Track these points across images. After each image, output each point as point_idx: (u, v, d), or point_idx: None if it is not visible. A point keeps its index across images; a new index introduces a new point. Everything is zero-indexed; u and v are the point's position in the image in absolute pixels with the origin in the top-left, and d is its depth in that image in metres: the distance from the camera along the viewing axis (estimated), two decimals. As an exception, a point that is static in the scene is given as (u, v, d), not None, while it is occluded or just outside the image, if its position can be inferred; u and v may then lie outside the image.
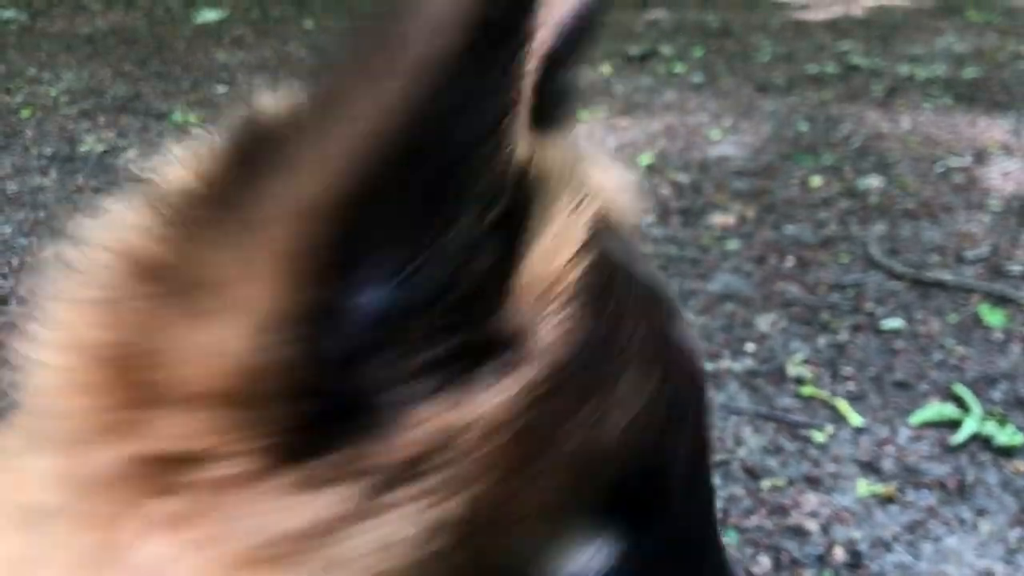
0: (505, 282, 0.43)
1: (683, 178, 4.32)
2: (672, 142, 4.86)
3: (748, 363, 2.77)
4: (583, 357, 0.45)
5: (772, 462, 2.33)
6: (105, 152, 4.55)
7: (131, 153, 4.54)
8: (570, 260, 0.46)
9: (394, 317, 0.40)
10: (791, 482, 2.26)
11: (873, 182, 4.26)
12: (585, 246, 0.47)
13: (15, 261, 3.41)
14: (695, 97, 5.71)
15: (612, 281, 0.49)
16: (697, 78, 6.12)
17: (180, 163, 0.45)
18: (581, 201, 0.48)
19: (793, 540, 2.07)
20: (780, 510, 2.16)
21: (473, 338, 0.42)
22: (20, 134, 4.77)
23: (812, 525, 2.12)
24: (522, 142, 0.42)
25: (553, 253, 0.45)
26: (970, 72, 6.35)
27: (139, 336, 0.40)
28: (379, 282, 0.39)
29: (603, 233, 0.50)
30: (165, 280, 0.40)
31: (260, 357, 0.38)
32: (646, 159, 4.53)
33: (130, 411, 0.40)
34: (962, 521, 2.14)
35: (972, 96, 5.82)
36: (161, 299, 0.40)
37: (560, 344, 0.45)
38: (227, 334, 0.38)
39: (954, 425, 2.45)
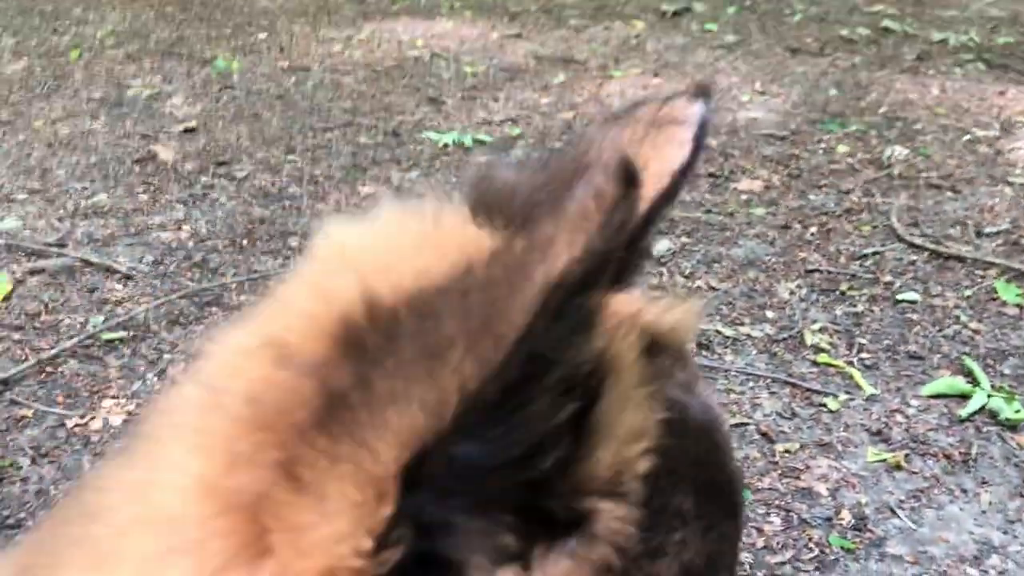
0: (574, 469, 0.50)
1: (712, 140, 4.40)
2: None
3: (768, 329, 2.91)
4: (643, 532, 0.53)
5: (786, 427, 2.48)
6: (151, 97, 4.68)
7: (177, 99, 4.66)
8: (636, 453, 0.53)
9: (478, 474, 0.47)
10: (803, 446, 2.41)
11: (898, 151, 4.32)
12: (652, 436, 0.53)
13: (69, 204, 3.56)
14: (727, 57, 5.75)
15: (671, 448, 0.54)
16: (729, 37, 6.14)
17: (296, 320, 0.53)
18: (652, 389, 0.55)
19: (803, 502, 2.22)
20: (792, 473, 2.31)
21: (544, 515, 0.50)
22: (69, 76, 4.89)
23: (822, 488, 2.27)
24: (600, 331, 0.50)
25: (621, 445, 0.52)
26: (1004, 38, 6.31)
27: (261, 501, 0.47)
28: (469, 441, 0.46)
29: (666, 388, 0.57)
30: (288, 451, 0.46)
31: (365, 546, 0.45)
32: (676, 121, 4.60)
33: (249, 550, 0.48)
34: (964, 491, 2.28)
35: (1004, 64, 5.81)
36: (282, 471, 0.47)
37: (623, 525, 0.52)
38: (336, 529, 0.45)
39: (963, 398, 2.58)
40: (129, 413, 2.41)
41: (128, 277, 3.05)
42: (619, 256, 0.46)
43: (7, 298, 2.88)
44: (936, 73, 5.62)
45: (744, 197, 3.82)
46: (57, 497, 2.09)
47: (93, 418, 2.38)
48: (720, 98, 5.01)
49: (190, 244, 3.28)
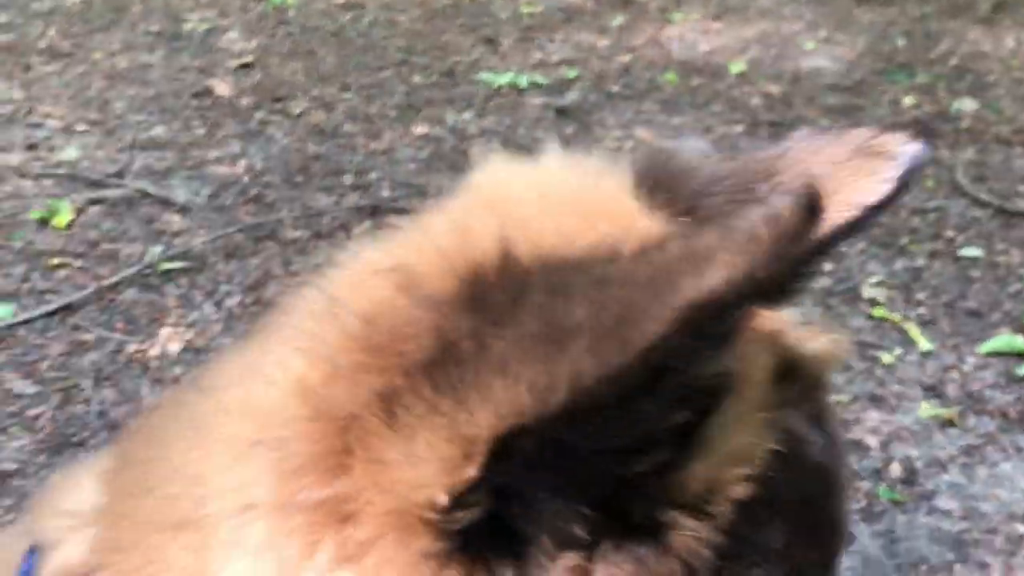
0: (667, 477, 0.49)
1: (774, 89, 4.30)
2: (765, 50, 4.80)
3: (825, 282, 2.86)
4: (719, 557, 0.51)
5: (839, 379, 2.45)
6: (208, 31, 4.69)
7: (233, 34, 4.66)
8: (736, 477, 0.51)
9: (570, 459, 0.46)
10: (856, 399, 2.38)
11: (967, 105, 4.19)
12: (758, 463, 0.51)
13: (128, 137, 3.60)
14: (791, 4, 5.59)
15: (776, 481, 0.52)
16: (795, -18, 5.97)
17: (429, 252, 0.52)
18: (766, 418, 0.52)
19: (853, 454, 2.20)
20: (843, 425, 2.29)
21: (622, 513, 0.49)
22: (127, 10, 4.92)
23: (872, 441, 2.24)
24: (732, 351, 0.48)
25: (722, 465, 0.50)
26: (1085, -11, 6.04)
27: (351, 420, 0.47)
28: (570, 429, 0.44)
29: (790, 417, 0.54)
30: (389, 383, 0.47)
31: (450, 490, 0.45)
32: (737, 67, 4.51)
33: (327, 461, 0.48)
34: (1019, 449, 2.24)
35: (1084, 16, 5.56)
36: (379, 400, 0.47)
37: (700, 547, 0.50)
38: (417, 476, 0.45)
39: (1022, 356, 2.53)
40: (187, 341, 2.46)
41: (185, 209, 3.09)
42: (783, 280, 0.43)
43: (69, 226, 2.94)
44: (1012, 24, 5.40)
45: (804, 147, 3.75)
46: (118, 419, 2.14)
47: (152, 345, 2.44)
48: (783, 46, 4.89)
49: (246, 179, 3.31)
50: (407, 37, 4.79)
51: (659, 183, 0.60)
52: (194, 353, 2.41)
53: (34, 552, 0.68)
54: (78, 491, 0.67)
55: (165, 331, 2.48)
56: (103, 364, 2.37)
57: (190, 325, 2.53)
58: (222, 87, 4.01)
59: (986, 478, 2.15)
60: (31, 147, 3.46)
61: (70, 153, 3.43)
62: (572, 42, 4.83)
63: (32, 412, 2.18)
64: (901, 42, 5.01)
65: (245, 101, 3.93)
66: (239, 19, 4.90)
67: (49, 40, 4.48)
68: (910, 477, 2.14)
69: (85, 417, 2.19)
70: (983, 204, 3.33)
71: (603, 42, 4.84)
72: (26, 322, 2.49)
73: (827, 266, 2.95)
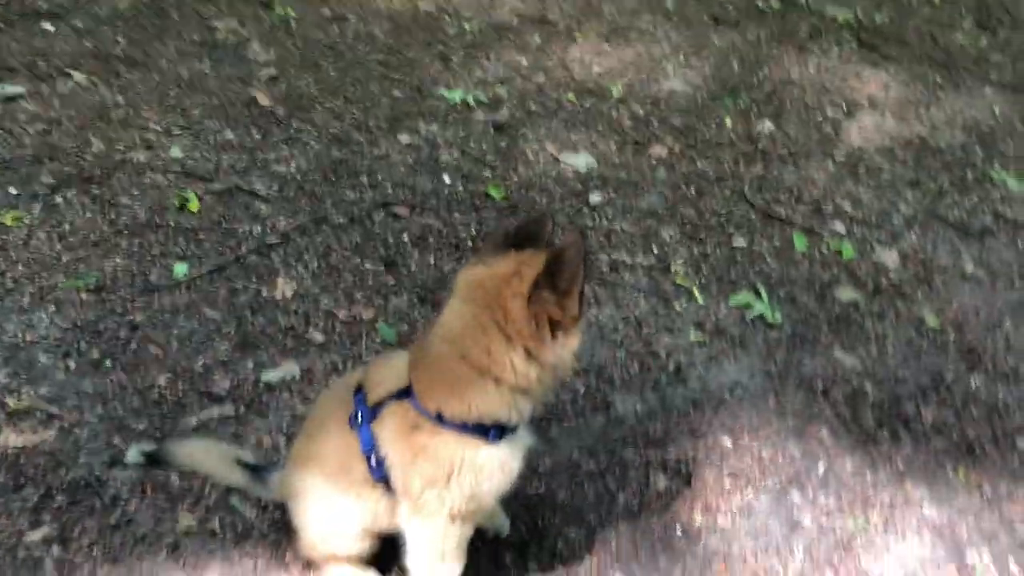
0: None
1: (640, 111, 6.28)
2: (637, 73, 6.75)
3: (652, 260, 4.92)
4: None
5: (651, 319, 4.53)
6: (237, 43, 6.33)
7: (255, 45, 6.32)
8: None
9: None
10: (658, 330, 4.47)
11: (767, 127, 6.25)
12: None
13: (210, 139, 5.33)
14: (664, 25, 7.51)
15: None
16: (669, 2, 7.87)
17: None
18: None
19: (651, 359, 4.30)
20: (648, 343, 4.38)
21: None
22: (168, 16, 6.49)
23: (662, 352, 4.34)
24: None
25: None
26: (881, 16, 8.07)
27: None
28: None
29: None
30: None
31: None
32: (616, 89, 6.45)
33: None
34: (736, 358, 4.37)
35: (873, 43, 7.59)
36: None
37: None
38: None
39: (749, 307, 4.66)
40: (294, 288, 4.34)
41: (266, 200, 4.92)
42: None
43: (199, 211, 4.74)
44: (818, 51, 7.40)
45: (654, 162, 5.76)
46: (271, 333, 4.05)
47: (275, 291, 4.32)
48: (651, 69, 6.83)
49: (299, 177, 5.12)
50: (383, 52, 6.54)
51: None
52: (300, 296, 4.31)
53: (360, 391, 2.65)
54: (393, 361, 2.65)
55: (280, 281, 4.37)
56: (251, 302, 4.25)
57: (292, 278, 4.42)
58: (262, 97, 5.74)
59: (716, 373, 4.28)
60: (149, 147, 5.19)
61: (176, 152, 5.16)
62: (504, 61, 6.67)
63: (224, 329, 4.07)
64: (736, 67, 7.01)
65: (281, 111, 5.69)
66: (255, 29, 6.55)
67: (122, 47, 6.08)
68: (677, 371, 4.25)
69: (254, 332, 4.08)
70: (756, 208, 5.43)
71: (525, 61, 6.70)
72: (198, 277, 4.34)
73: (655, 249, 5.02)
